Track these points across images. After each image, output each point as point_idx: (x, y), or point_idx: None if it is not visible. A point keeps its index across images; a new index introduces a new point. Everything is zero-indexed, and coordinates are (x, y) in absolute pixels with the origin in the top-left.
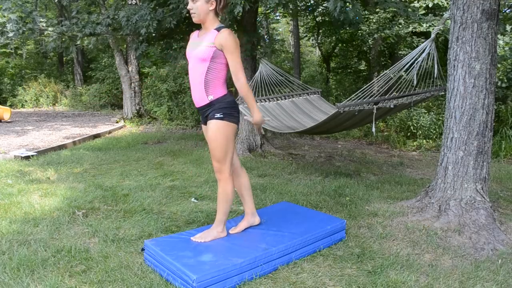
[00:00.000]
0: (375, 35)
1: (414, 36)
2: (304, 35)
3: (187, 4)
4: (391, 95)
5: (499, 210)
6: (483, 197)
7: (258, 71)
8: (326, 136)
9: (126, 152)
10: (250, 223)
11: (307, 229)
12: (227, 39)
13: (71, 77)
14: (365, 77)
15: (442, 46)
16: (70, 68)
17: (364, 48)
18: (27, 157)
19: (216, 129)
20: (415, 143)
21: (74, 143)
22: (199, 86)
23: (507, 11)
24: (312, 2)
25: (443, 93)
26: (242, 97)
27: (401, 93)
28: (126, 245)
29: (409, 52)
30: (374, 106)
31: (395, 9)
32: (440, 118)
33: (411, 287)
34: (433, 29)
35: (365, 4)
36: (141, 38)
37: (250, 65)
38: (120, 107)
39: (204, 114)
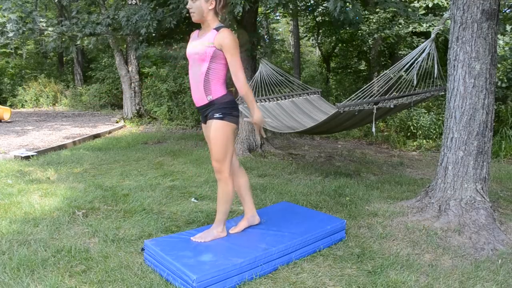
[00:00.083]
0: (375, 35)
1: (414, 36)
2: (304, 35)
3: (187, 3)
4: (391, 95)
5: (499, 210)
6: (483, 197)
7: (258, 71)
8: (326, 136)
9: (126, 152)
10: (250, 222)
11: (307, 229)
12: (226, 38)
13: (71, 77)
14: (365, 77)
15: (442, 46)
16: (70, 68)
17: (364, 48)
18: (27, 157)
19: (215, 129)
20: (415, 143)
21: (74, 143)
22: (199, 85)
23: (507, 11)
24: (312, 2)
25: (443, 93)
26: (242, 97)
27: (401, 93)
28: (126, 245)
29: (409, 52)
30: (374, 106)
31: (395, 9)
32: (440, 118)
33: (411, 287)
34: (433, 29)
35: (365, 4)
36: (141, 38)
37: (250, 65)
38: (120, 107)
39: (204, 113)
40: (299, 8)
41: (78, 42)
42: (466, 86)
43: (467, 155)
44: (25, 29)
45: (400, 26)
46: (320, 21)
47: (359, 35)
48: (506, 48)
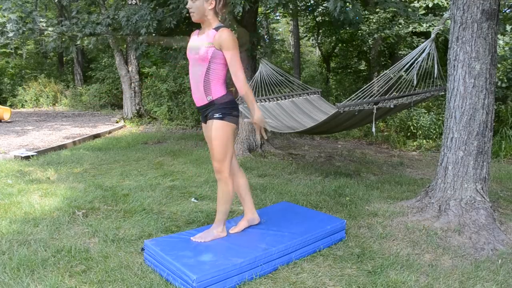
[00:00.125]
0: (375, 35)
1: (414, 36)
2: (304, 35)
3: (186, 3)
4: (391, 95)
5: (499, 210)
6: (483, 197)
7: (258, 71)
8: (326, 136)
9: (126, 152)
10: (250, 222)
11: (307, 229)
12: (225, 38)
13: (71, 77)
14: (365, 77)
15: (442, 46)
16: (70, 68)
17: (364, 48)
18: (27, 157)
19: (215, 129)
20: (415, 143)
21: (74, 143)
22: (199, 85)
23: (507, 11)
24: (312, 2)
25: (443, 93)
26: (242, 97)
27: (401, 93)
28: (126, 245)
29: (409, 52)
30: (374, 106)
31: (395, 9)
32: (440, 118)
33: (411, 287)
34: (433, 29)
35: (365, 4)
36: (141, 38)
37: (250, 65)
38: (120, 107)
39: (204, 113)
40: (299, 8)
41: (78, 42)
42: (466, 86)
43: (467, 155)
44: (25, 29)
45: (400, 26)
46: (320, 21)
47: (359, 35)
48: (506, 48)
